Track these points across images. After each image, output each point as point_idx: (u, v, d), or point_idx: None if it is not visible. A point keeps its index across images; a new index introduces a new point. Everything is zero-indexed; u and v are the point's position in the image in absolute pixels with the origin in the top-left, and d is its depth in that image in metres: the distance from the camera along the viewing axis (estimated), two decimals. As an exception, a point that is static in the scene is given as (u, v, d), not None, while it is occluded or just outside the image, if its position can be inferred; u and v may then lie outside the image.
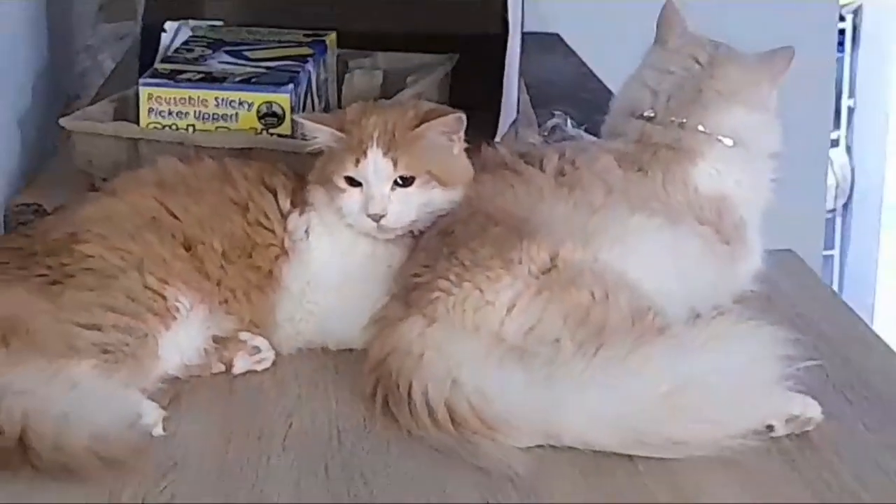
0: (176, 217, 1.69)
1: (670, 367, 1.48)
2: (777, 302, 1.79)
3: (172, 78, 1.96)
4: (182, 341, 1.64)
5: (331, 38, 2.17)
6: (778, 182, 1.83)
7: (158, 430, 1.53)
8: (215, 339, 1.67)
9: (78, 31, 2.76)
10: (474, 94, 2.02)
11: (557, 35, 3.04)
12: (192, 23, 2.18)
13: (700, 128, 1.77)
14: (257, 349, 1.69)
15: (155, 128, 1.93)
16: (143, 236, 1.67)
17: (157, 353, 1.62)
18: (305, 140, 1.74)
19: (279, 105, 1.92)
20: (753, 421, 1.47)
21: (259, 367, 1.68)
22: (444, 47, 2.24)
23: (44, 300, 1.60)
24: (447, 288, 1.59)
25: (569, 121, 2.21)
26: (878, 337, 1.77)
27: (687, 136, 1.77)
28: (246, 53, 2.07)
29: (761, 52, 1.82)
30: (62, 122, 1.96)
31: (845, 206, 4.67)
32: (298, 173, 1.75)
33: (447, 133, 1.71)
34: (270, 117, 1.92)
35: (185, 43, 2.12)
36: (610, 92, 2.62)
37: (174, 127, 1.93)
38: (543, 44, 2.88)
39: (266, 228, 1.72)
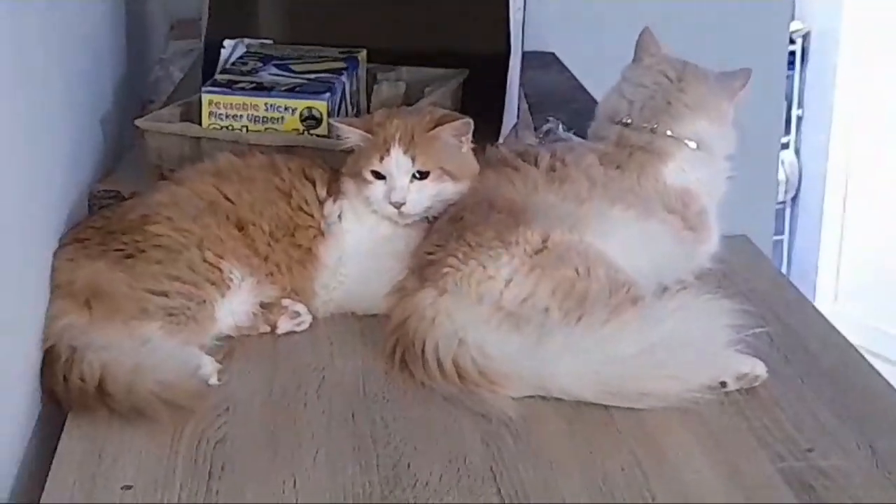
0: (231, 201, 1.69)
1: (640, 333, 1.48)
2: (732, 279, 1.78)
3: (229, 87, 1.96)
4: (234, 306, 1.65)
5: (362, 54, 2.16)
6: (735, 178, 1.81)
7: (214, 380, 1.53)
8: (262, 305, 1.67)
9: (153, 46, 2.76)
10: (481, 103, 2.01)
11: (553, 54, 3.02)
12: (246, 41, 2.17)
13: (668, 133, 1.76)
14: (297, 313, 1.68)
15: (214, 128, 1.93)
16: (203, 219, 1.67)
17: (214, 316, 1.62)
18: (339, 140, 1.74)
19: (318, 110, 1.91)
20: (709, 377, 1.47)
21: (298, 329, 1.68)
22: (457, 63, 2.23)
23: (120, 271, 1.61)
24: (455, 264, 1.58)
25: (561, 126, 2.20)
26: (815, 308, 1.76)
27: (658, 140, 1.76)
28: (291, 67, 2.06)
29: (724, 71, 1.81)
30: (137, 122, 1.96)
31: (793, 199, 4.66)
32: (333, 167, 1.75)
33: (457, 135, 1.71)
34: (311, 120, 1.91)
35: (241, 58, 2.11)
36: (597, 102, 2.62)
37: (230, 128, 1.93)
38: (541, 61, 2.86)
39: (306, 213, 1.72)
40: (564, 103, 2.53)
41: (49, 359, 1.51)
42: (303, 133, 1.91)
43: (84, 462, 1.37)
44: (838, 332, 1.67)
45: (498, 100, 2.08)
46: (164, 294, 1.60)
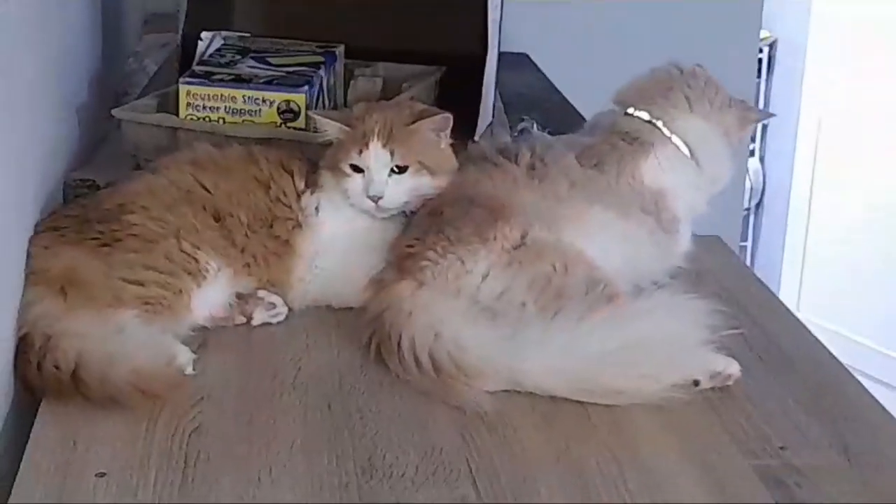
0: (208, 191, 1.68)
1: (614, 330, 1.48)
2: (705, 278, 1.78)
3: (207, 78, 1.94)
4: (210, 297, 1.63)
5: (339, 49, 2.15)
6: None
7: (189, 370, 1.52)
8: (238, 296, 1.66)
9: (127, 39, 2.74)
10: (457, 101, 2.01)
11: (527, 55, 3.03)
12: (224, 33, 2.16)
13: (659, 124, 1.75)
14: (273, 305, 1.67)
15: (191, 119, 1.91)
16: (180, 208, 1.65)
17: (189, 305, 1.61)
18: (318, 132, 1.73)
19: (296, 103, 1.90)
20: (682, 376, 1.46)
21: (274, 320, 1.67)
22: (434, 61, 2.22)
23: (96, 259, 1.59)
24: (434, 258, 1.58)
25: (535, 125, 2.20)
26: (787, 308, 1.77)
27: (645, 130, 1.74)
28: (269, 60, 2.04)
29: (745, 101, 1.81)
30: (114, 112, 1.94)
31: (758, 205, 4.69)
32: (312, 160, 1.74)
33: (436, 130, 1.70)
34: (288, 113, 1.90)
35: (218, 50, 2.09)
36: (569, 103, 2.63)
37: (207, 119, 1.91)
38: (514, 62, 2.86)
39: (284, 204, 1.70)
40: (538, 103, 2.54)
41: (23, 346, 1.49)
42: (280, 126, 1.90)
43: (58, 449, 1.35)
44: (810, 332, 1.67)
45: (474, 98, 2.07)
46: (140, 283, 1.58)
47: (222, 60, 2.03)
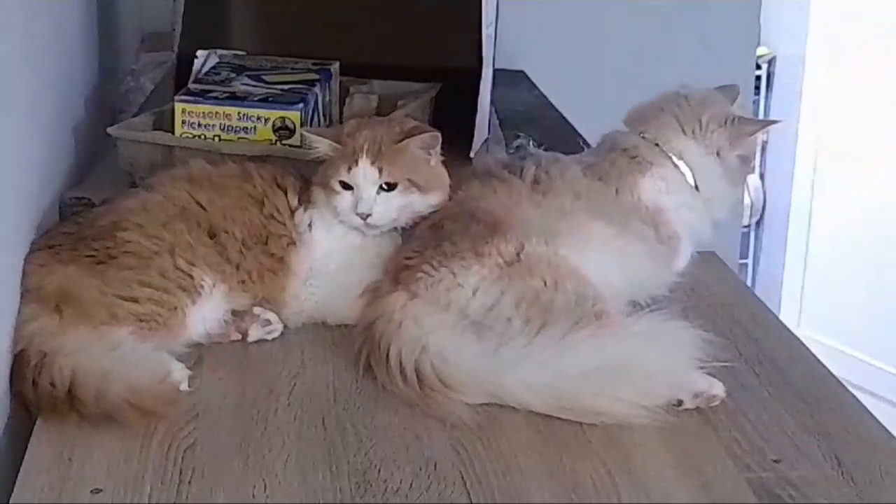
0: (203, 208, 1.69)
1: (596, 351, 1.49)
2: (699, 293, 1.80)
3: (202, 96, 1.96)
4: (205, 313, 1.64)
5: (335, 66, 2.17)
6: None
7: (184, 386, 1.53)
8: (233, 312, 1.67)
9: (124, 58, 2.76)
10: (453, 117, 2.02)
11: (523, 72, 3.04)
12: (219, 51, 2.17)
13: (657, 143, 1.77)
14: (268, 322, 1.68)
15: (186, 137, 1.93)
16: (175, 225, 1.66)
17: (185, 322, 1.62)
18: (309, 149, 1.74)
19: (291, 120, 1.91)
20: (664, 397, 1.46)
21: (269, 337, 1.68)
22: (430, 77, 2.24)
23: (91, 276, 1.60)
24: (429, 270, 1.59)
25: (531, 141, 2.22)
26: (781, 322, 1.78)
27: (645, 149, 1.77)
28: (264, 77, 2.06)
29: (742, 116, 1.80)
30: (109, 130, 1.96)
31: (758, 222, 4.70)
32: (305, 176, 1.75)
33: (425, 147, 1.71)
34: (283, 130, 1.92)
35: (214, 68, 2.11)
36: (566, 120, 2.65)
37: (203, 137, 1.92)
38: (511, 79, 2.88)
39: (278, 221, 1.72)
40: (534, 120, 2.56)
41: (19, 363, 1.50)
42: (275, 143, 1.91)
43: (53, 465, 1.36)
44: (804, 346, 1.68)
45: (469, 115, 2.09)
46: (135, 300, 1.60)
47: (218, 78, 2.04)
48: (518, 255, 1.60)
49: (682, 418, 1.46)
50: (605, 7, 3.26)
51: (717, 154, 1.78)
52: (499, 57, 2.22)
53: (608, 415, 1.44)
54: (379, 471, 1.36)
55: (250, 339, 1.67)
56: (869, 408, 1.51)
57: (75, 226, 1.69)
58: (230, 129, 1.92)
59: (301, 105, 1.93)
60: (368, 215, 1.67)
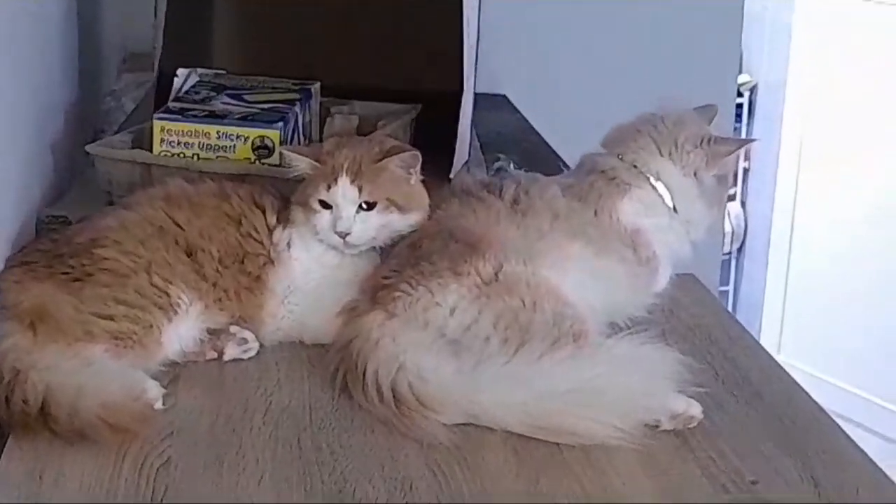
0: (180, 227, 1.68)
1: (573, 371, 1.48)
2: (678, 314, 1.79)
3: (182, 114, 1.95)
4: (181, 332, 1.63)
5: (315, 87, 2.17)
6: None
7: (159, 404, 1.52)
8: (209, 331, 1.66)
9: (105, 77, 2.76)
10: (434, 139, 2.02)
11: (504, 96, 3.05)
12: (200, 70, 2.17)
13: (635, 165, 1.77)
14: (245, 340, 1.67)
15: (165, 155, 1.92)
16: (152, 243, 1.65)
17: (160, 340, 1.61)
18: (288, 168, 1.73)
19: (270, 139, 1.91)
20: (640, 419, 1.45)
21: (245, 356, 1.67)
22: (411, 99, 2.24)
23: (67, 294, 1.59)
24: (407, 289, 1.59)
25: (511, 164, 2.22)
26: (758, 343, 1.77)
27: (623, 170, 1.77)
28: (244, 96, 2.06)
29: (720, 135, 1.80)
30: (88, 148, 1.95)
31: (739, 249, 4.71)
32: (284, 195, 1.74)
33: (405, 167, 1.70)
34: (263, 149, 1.91)
35: (194, 86, 2.10)
36: (547, 143, 2.65)
37: (182, 155, 1.92)
38: (492, 103, 2.89)
39: (256, 240, 1.71)
40: (515, 143, 2.56)
41: (-9, 380, 1.49)
42: (254, 162, 1.91)
43: (24, 483, 1.35)
44: (781, 368, 1.68)
45: (449, 137, 2.09)
46: (111, 318, 1.58)
47: (197, 97, 2.04)
48: (496, 274, 1.59)
49: (659, 439, 1.45)
50: (588, 34, 3.27)
51: (695, 174, 1.77)
52: (480, 81, 2.23)
53: (585, 436, 1.43)
54: (354, 491, 1.34)
55: (226, 357, 1.66)
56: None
57: (51, 243, 1.68)
58: (209, 147, 1.91)
59: (281, 124, 1.93)
60: (347, 234, 1.67)
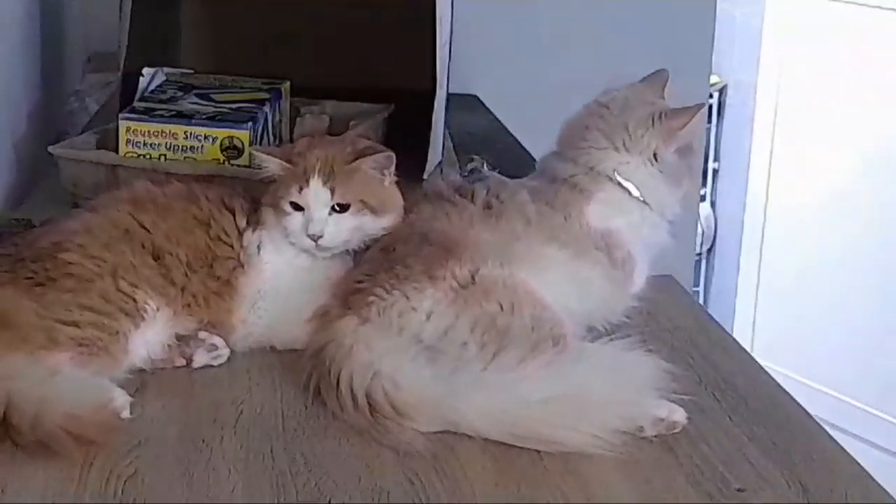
0: (146, 230, 1.63)
1: (553, 379, 1.44)
2: (657, 317, 1.75)
3: (148, 114, 1.91)
4: (149, 338, 1.58)
5: (285, 86, 2.12)
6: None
7: (126, 413, 1.46)
8: (178, 337, 1.61)
9: (68, 78, 2.70)
10: (406, 139, 1.98)
11: (476, 96, 3.01)
12: (166, 69, 2.12)
13: (591, 167, 1.71)
14: (214, 346, 1.62)
15: (131, 156, 1.88)
16: (117, 246, 1.60)
17: (127, 347, 1.55)
18: (259, 169, 1.68)
19: (239, 140, 1.87)
20: (622, 425, 1.41)
21: (215, 363, 1.62)
22: (382, 99, 2.20)
23: (29, 299, 1.53)
24: (381, 294, 1.54)
25: (485, 165, 2.18)
26: (741, 347, 1.74)
27: (581, 175, 1.71)
28: (213, 96, 2.01)
29: (671, 109, 1.71)
30: (51, 149, 1.90)
31: (709, 250, 4.70)
32: (254, 197, 1.69)
33: (378, 168, 1.66)
34: (232, 150, 1.87)
35: (160, 86, 2.06)
36: (519, 143, 2.61)
37: (148, 156, 1.87)
38: (464, 103, 2.84)
39: (225, 243, 1.66)
40: (488, 144, 2.52)
41: (-49, 390, 1.43)
42: (223, 163, 1.86)
43: (-15, 497, 1.30)
44: (764, 371, 1.65)
45: (421, 137, 2.05)
46: (75, 324, 1.53)
47: (164, 97, 1.99)
48: (473, 277, 1.55)
49: (642, 446, 1.41)
50: (559, 34, 3.23)
51: (654, 157, 1.70)
52: (451, 81, 2.19)
53: (565, 444, 1.39)
54: (329, 500, 1.30)
55: (195, 364, 1.61)
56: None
57: (13, 247, 1.62)
58: (176, 148, 1.87)
59: (250, 124, 1.89)
60: (320, 237, 1.62)
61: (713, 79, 4.33)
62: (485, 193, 1.69)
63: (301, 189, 1.63)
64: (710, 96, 4.33)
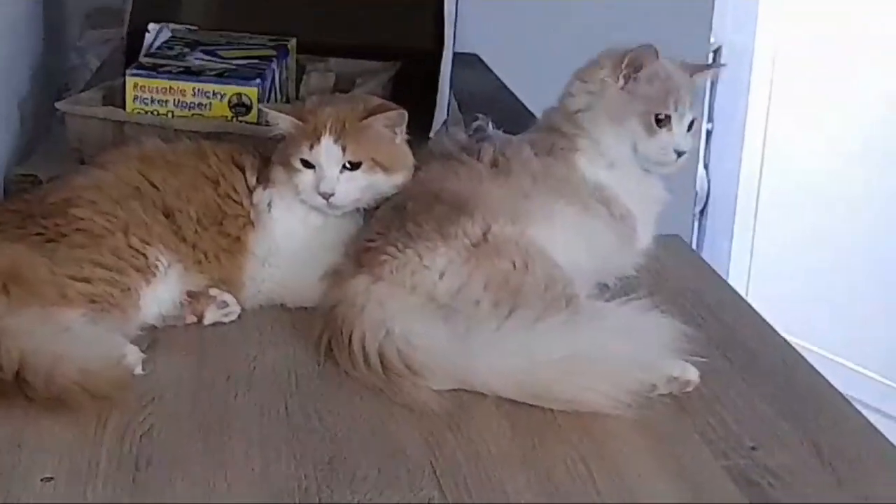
0: (156, 187, 1.62)
1: (568, 338, 1.44)
2: (665, 277, 1.75)
3: (156, 70, 1.89)
4: (160, 295, 1.57)
5: (291, 43, 2.10)
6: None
7: (139, 370, 1.46)
8: (189, 294, 1.60)
9: (69, 33, 2.68)
10: (412, 97, 1.97)
11: (476, 55, 3.00)
12: (172, 26, 2.10)
13: (572, 111, 1.71)
14: (225, 303, 1.62)
15: (139, 113, 1.86)
16: (128, 203, 1.59)
17: (139, 304, 1.55)
18: (269, 126, 1.67)
19: (248, 96, 1.85)
20: (636, 384, 1.40)
21: (226, 319, 1.61)
22: (388, 56, 2.18)
23: (40, 255, 1.52)
24: (393, 253, 1.54)
25: (489, 123, 2.17)
26: (750, 306, 1.74)
27: (566, 123, 1.71)
28: (220, 53, 1.99)
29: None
30: (58, 105, 1.88)
31: (702, 212, 4.69)
32: (264, 154, 1.68)
33: (390, 126, 1.65)
34: (240, 107, 1.85)
35: (167, 42, 2.04)
36: (521, 103, 2.60)
37: (156, 113, 1.86)
38: (465, 62, 2.83)
39: (235, 201, 1.65)
40: (490, 103, 2.50)
41: (-36, 346, 1.42)
42: (231, 120, 1.85)
43: (1, 453, 1.29)
44: (774, 330, 1.65)
45: (429, 95, 2.04)
46: (87, 280, 1.52)
47: (171, 53, 1.97)
48: (485, 235, 1.55)
49: (655, 405, 1.41)
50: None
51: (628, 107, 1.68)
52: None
53: (579, 404, 1.39)
54: (345, 459, 1.30)
55: (206, 321, 1.60)
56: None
57: (23, 203, 1.61)
58: (184, 104, 1.85)
59: (258, 81, 1.87)
60: (331, 195, 1.61)
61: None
62: (491, 152, 1.69)
63: (312, 146, 1.62)
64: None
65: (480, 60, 2.98)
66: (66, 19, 2.67)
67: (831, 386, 1.49)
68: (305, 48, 2.15)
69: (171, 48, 2.00)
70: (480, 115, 2.20)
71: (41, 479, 1.25)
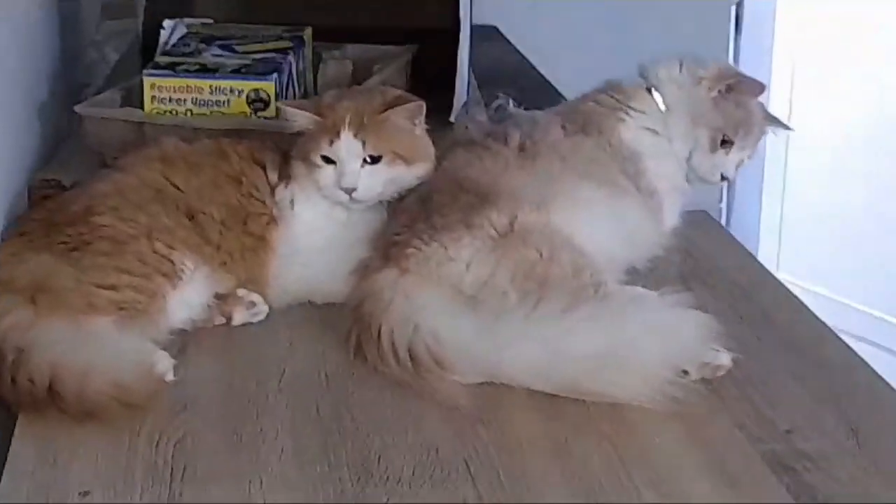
0: (178, 189, 1.62)
1: (597, 331, 1.43)
2: (695, 256, 1.75)
3: (172, 69, 1.89)
4: (187, 298, 1.58)
5: (307, 32, 2.10)
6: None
7: (170, 376, 1.47)
8: (216, 296, 1.61)
9: (85, 27, 2.67)
10: (431, 79, 1.97)
11: (495, 27, 2.97)
12: (186, 20, 2.10)
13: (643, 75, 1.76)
14: (253, 304, 1.62)
15: (157, 113, 1.86)
16: (151, 207, 1.60)
17: (166, 309, 1.56)
18: (288, 123, 1.67)
19: (265, 92, 1.85)
20: (668, 372, 1.40)
21: (255, 320, 1.62)
22: (406, 39, 2.17)
23: (66, 264, 1.53)
24: (419, 245, 1.54)
25: (511, 102, 2.15)
26: (782, 284, 1.73)
27: (629, 91, 1.75)
28: (235, 47, 1.99)
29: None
30: (77, 108, 1.88)
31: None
32: (285, 150, 1.68)
33: (409, 118, 1.64)
34: (258, 102, 1.85)
35: (182, 38, 2.04)
36: (543, 77, 2.58)
37: (174, 112, 1.86)
38: (483, 35, 2.81)
39: (257, 199, 1.65)
40: (511, 79, 2.49)
41: (-6, 360, 1.44)
42: (250, 116, 1.85)
43: (38, 468, 1.30)
44: (808, 309, 1.64)
45: (445, 76, 2.03)
46: (113, 287, 1.53)
47: (186, 50, 1.97)
48: (511, 225, 1.55)
49: (688, 390, 1.40)
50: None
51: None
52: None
53: (609, 397, 1.39)
54: (379, 458, 1.30)
55: (235, 322, 1.61)
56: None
57: (46, 212, 1.62)
58: (202, 102, 1.85)
59: (275, 75, 1.87)
60: (353, 190, 1.61)
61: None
62: (518, 136, 1.68)
63: (332, 142, 1.61)
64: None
65: (499, 33, 2.96)
66: (82, 13, 2.67)
67: (866, 364, 1.49)
68: (320, 34, 2.14)
69: (186, 45, 2.00)
70: (501, 94, 2.20)
71: (79, 493, 1.25)
